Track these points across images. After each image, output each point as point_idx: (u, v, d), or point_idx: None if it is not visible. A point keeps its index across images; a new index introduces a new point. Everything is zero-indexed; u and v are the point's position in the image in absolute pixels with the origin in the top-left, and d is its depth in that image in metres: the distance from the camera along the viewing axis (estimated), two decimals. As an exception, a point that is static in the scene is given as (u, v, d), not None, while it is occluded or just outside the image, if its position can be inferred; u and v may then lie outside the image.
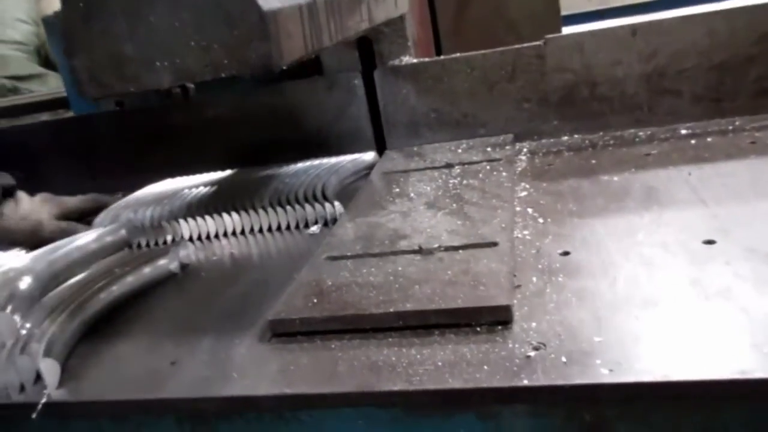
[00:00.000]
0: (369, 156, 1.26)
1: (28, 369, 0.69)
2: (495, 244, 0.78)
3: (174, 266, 0.95)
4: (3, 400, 0.68)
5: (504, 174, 1.02)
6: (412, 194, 1.01)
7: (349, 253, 0.83)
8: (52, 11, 1.73)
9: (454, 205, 0.93)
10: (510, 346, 0.61)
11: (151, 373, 0.69)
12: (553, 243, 0.80)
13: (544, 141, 1.21)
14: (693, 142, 1.07)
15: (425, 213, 0.92)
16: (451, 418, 0.58)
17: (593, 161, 1.06)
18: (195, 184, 1.27)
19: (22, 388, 0.69)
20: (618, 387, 0.54)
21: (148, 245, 1.08)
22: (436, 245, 0.80)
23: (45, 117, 1.83)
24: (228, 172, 1.35)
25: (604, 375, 0.55)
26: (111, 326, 0.82)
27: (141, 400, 0.66)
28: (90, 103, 1.46)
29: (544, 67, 1.18)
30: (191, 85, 1.40)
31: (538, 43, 1.18)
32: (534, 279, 0.72)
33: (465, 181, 1.02)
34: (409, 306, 0.67)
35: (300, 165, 1.26)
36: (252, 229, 1.07)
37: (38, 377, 0.69)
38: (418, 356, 0.62)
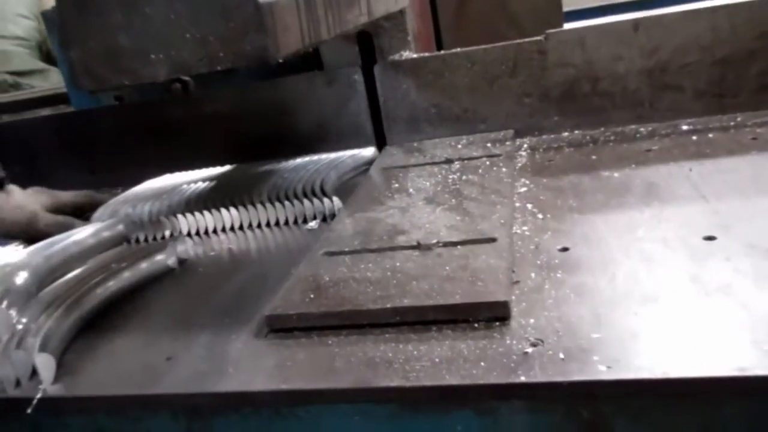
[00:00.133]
0: (369, 151, 1.26)
1: (23, 364, 0.69)
2: (494, 239, 0.77)
3: (172, 261, 0.95)
4: (-2, 395, 0.68)
5: (504, 170, 1.02)
6: (411, 190, 1.00)
7: (347, 249, 0.82)
8: (52, 6, 1.73)
9: (453, 200, 0.92)
10: (507, 342, 0.61)
11: (147, 369, 0.69)
12: (552, 239, 0.80)
13: (544, 136, 1.20)
14: (694, 138, 1.06)
15: (424, 208, 0.91)
16: (449, 414, 0.58)
17: (594, 157, 1.06)
18: (194, 179, 1.27)
19: (18, 383, 0.69)
20: (616, 384, 0.53)
21: (146, 240, 1.08)
22: (435, 241, 0.79)
23: (46, 112, 1.83)
24: (227, 167, 1.35)
25: (602, 372, 0.54)
26: (107, 321, 0.82)
27: (137, 395, 0.66)
28: (88, 97, 1.46)
29: (546, 62, 1.17)
30: (190, 80, 1.40)
31: (539, 38, 1.17)
32: (532, 275, 0.72)
33: (464, 177, 1.01)
34: (406, 302, 0.67)
35: (299, 160, 1.25)
36: (250, 225, 1.07)
37: (34, 372, 0.69)
38: (415, 352, 0.62)
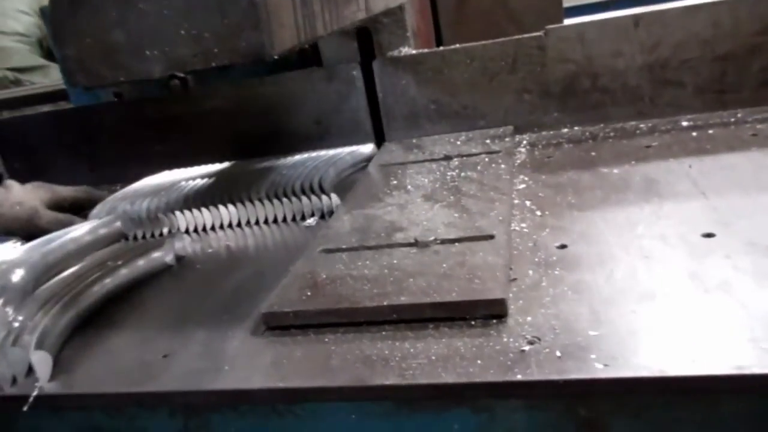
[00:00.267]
0: (368, 148, 1.25)
1: (20, 361, 0.69)
2: (491, 236, 0.77)
3: (169, 258, 0.94)
4: (-5, 393, 0.68)
5: (503, 166, 1.01)
6: (409, 186, 1.00)
7: (344, 246, 0.82)
8: (51, 2, 1.72)
9: (452, 197, 0.92)
10: (504, 340, 0.60)
11: (144, 366, 0.69)
12: (550, 236, 0.79)
13: (544, 133, 1.20)
14: (694, 134, 1.05)
15: (422, 205, 0.91)
16: (445, 412, 0.58)
17: (593, 153, 1.05)
18: (192, 176, 1.27)
19: (14, 381, 0.69)
20: (613, 382, 0.53)
21: (144, 237, 1.07)
22: (432, 238, 0.79)
23: (46, 109, 1.83)
24: (226, 164, 1.34)
25: (599, 370, 0.54)
26: (104, 318, 0.82)
27: (134, 392, 0.66)
28: (87, 93, 1.46)
29: (545, 58, 1.17)
30: (189, 76, 1.40)
31: (538, 33, 1.16)
32: (530, 272, 0.71)
33: (463, 174, 1.01)
34: (403, 299, 0.66)
35: (298, 157, 1.25)
36: (248, 222, 1.07)
37: (30, 370, 0.69)
38: (412, 350, 0.61)
